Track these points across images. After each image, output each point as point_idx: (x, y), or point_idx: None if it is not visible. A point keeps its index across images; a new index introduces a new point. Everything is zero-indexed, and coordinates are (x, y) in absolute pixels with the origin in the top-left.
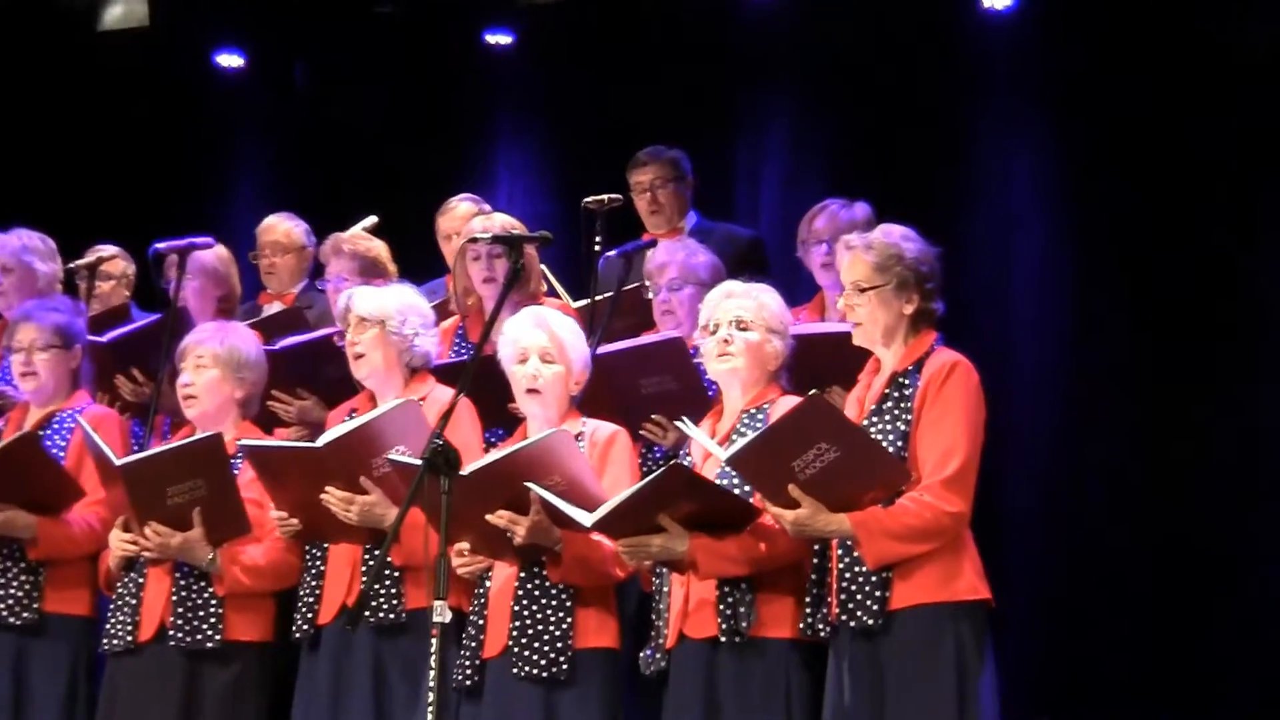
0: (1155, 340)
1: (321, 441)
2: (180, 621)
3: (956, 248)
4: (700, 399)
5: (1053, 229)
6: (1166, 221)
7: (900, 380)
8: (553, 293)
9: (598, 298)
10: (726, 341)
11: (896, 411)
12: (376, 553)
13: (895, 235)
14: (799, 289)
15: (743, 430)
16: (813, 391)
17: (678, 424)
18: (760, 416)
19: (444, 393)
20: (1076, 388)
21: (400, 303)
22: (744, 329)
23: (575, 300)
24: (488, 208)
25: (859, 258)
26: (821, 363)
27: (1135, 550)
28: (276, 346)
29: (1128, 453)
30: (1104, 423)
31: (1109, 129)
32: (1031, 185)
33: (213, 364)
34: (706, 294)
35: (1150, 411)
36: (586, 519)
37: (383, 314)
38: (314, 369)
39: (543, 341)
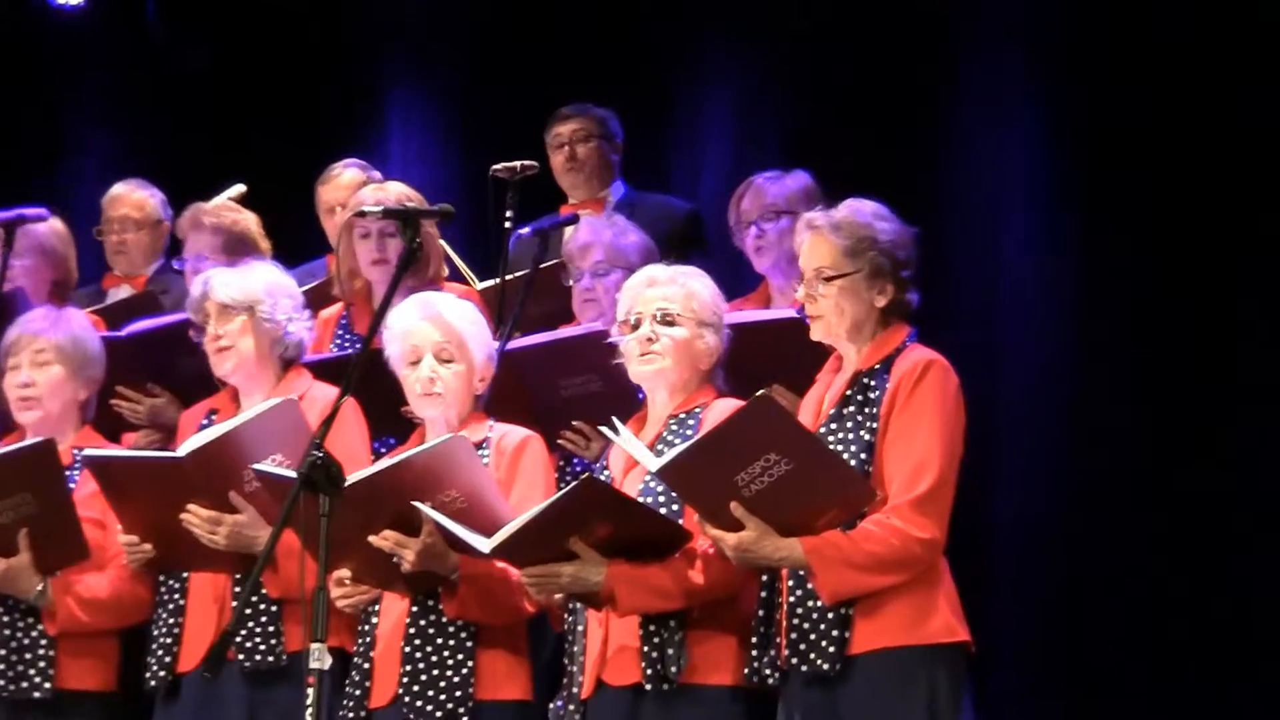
0: (1167, 336)
1: (184, 450)
2: (2, 666)
3: (933, 226)
4: (630, 403)
5: (1049, 202)
6: (1179, 189)
7: (865, 381)
8: (456, 277)
9: (509, 277)
10: (650, 339)
11: (860, 418)
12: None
13: (866, 213)
14: (746, 275)
15: (669, 440)
16: (761, 392)
17: (603, 430)
18: (691, 423)
19: (324, 392)
20: (1074, 390)
21: (267, 282)
22: (670, 323)
23: (481, 281)
24: (378, 175)
25: (823, 239)
26: (763, 357)
27: (1139, 583)
28: (123, 333)
29: (1132, 466)
30: (1105, 431)
31: (1115, 80)
32: (1024, 151)
33: (56, 359)
34: None
35: (1159, 419)
36: (483, 544)
37: (250, 298)
38: (168, 361)
39: (437, 336)
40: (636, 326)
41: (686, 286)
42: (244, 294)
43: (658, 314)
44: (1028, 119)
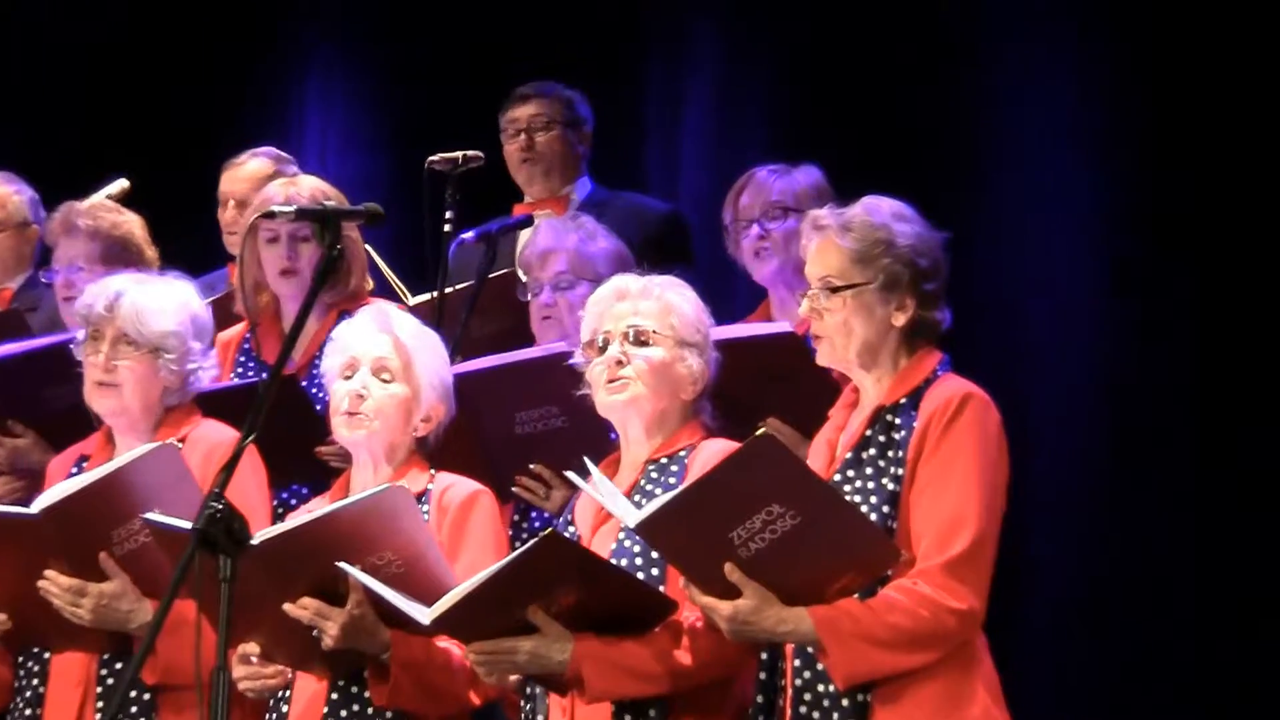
0: (1230, 360)
1: (38, 506)
2: None
3: (961, 235)
4: (599, 442)
5: (1095, 206)
6: (1244, 197)
7: (888, 418)
8: (384, 290)
9: (449, 290)
10: (620, 362)
11: (882, 463)
12: (119, 667)
13: (884, 213)
14: (737, 289)
15: (648, 488)
16: (761, 429)
17: (568, 476)
18: (674, 469)
19: (215, 432)
20: (1124, 431)
21: (183, 320)
22: (644, 343)
23: (413, 296)
24: (292, 168)
25: (831, 243)
26: (757, 384)
27: (1196, 660)
28: None
29: (1181, 523)
30: (1160, 477)
31: (1175, 66)
32: (1067, 144)
33: None
34: None
35: (1223, 457)
36: (424, 614)
37: (158, 338)
38: (34, 392)
39: (381, 350)
40: (604, 348)
41: (664, 300)
42: (155, 332)
43: (629, 333)
44: (1072, 104)
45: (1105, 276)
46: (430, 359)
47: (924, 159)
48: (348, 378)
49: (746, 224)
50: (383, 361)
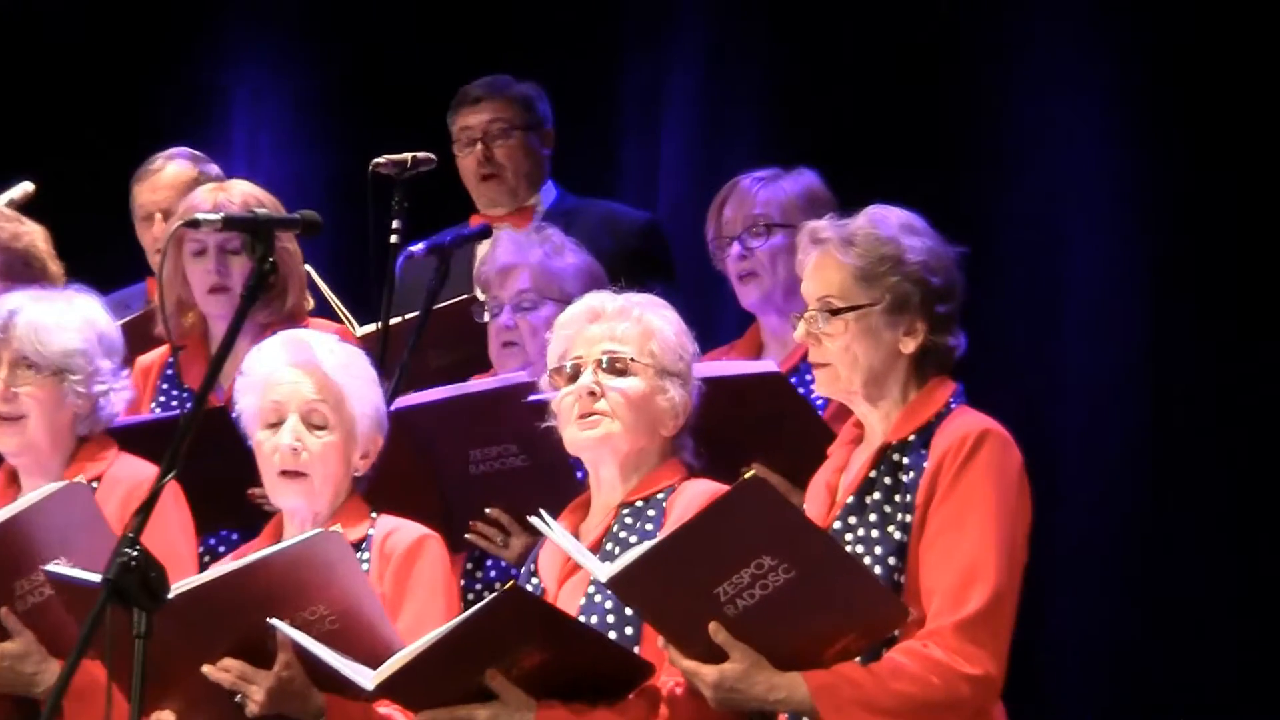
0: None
1: None
2: None
3: (978, 251)
4: (565, 484)
5: (1125, 223)
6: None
7: (894, 457)
8: (324, 310)
9: (396, 320)
10: (593, 393)
11: (888, 509)
12: None
13: (891, 224)
14: (724, 308)
15: (621, 535)
16: (750, 471)
17: (532, 522)
18: (651, 514)
19: (132, 469)
20: (1165, 475)
21: (89, 337)
22: (621, 371)
23: (361, 324)
24: (216, 170)
25: (831, 259)
26: (740, 423)
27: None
28: None
29: (1235, 573)
30: (1203, 528)
31: (1216, 64)
32: (1093, 152)
33: None
34: None
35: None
36: (367, 678)
37: (62, 358)
38: None
39: (308, 391)
40: (575, 377)
41: (644, 322)
42: (57, 351)
43: (604, 359)
44: (1098, 100)
45: (1145, 302)
46: (360, 386)
47: (935, 163)
48: (272, 426)
49: (729, 241)
50: (313, 405)
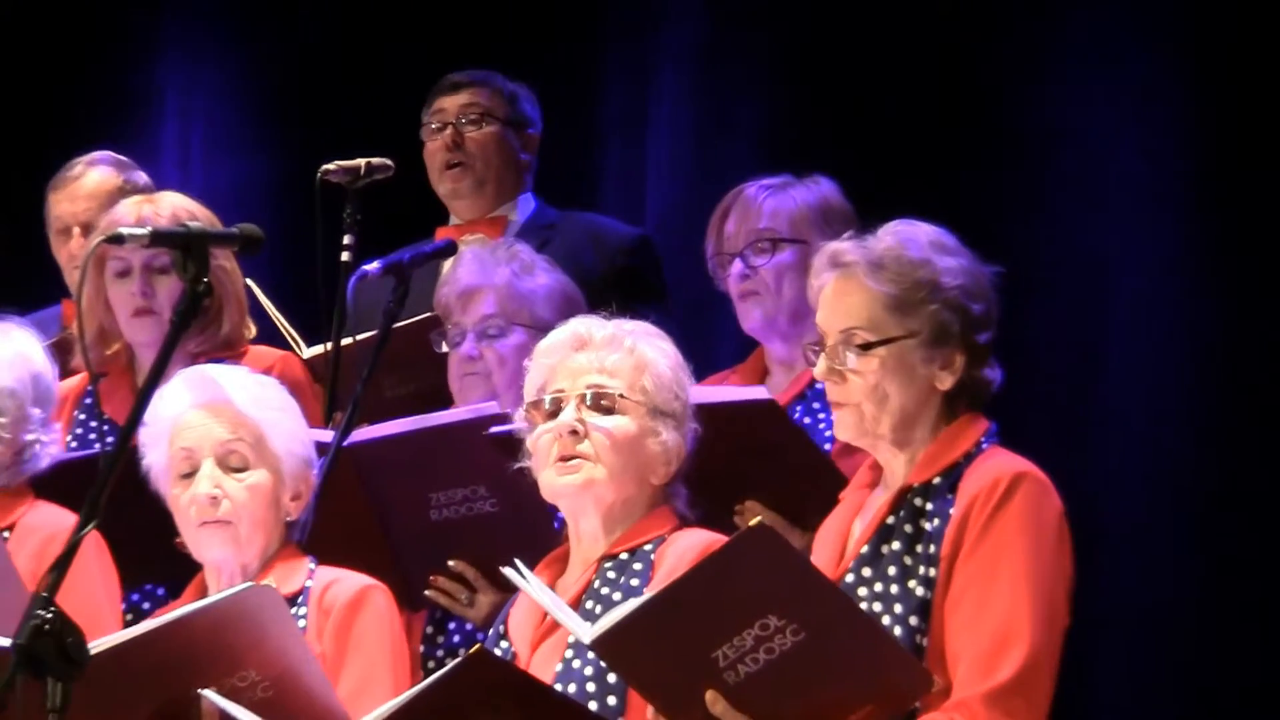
0: None
1: None
2: None
3: (1009, 271)
4: (540, 533)
5: (1176, 237)
6: None
7: (917, 503)
8: (269, 337)
9: (347, 341)
10: (575, 433)
11: (909, 561)
12: None
13: (921, 243)
14: (723, 338)
15: (603, 592)
16: (756, 520)
17: (506, 574)
18: (638, 567)
19: (51, 517)
20: (1224, 527)
21: (20, 375)
22: (608, 409)
23: (308, 346)
24: (143, 178)
25: (859, 285)
26: (737, 457)
27: None
28: None
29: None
30: (1263, 577)
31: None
32: (1136, 157)
33: None
34: None
35: None
36: None
37: None
38: None
39: (222, 432)
40: (555, 413)
41: (637, 354)
42: None
43: (589, 394)
44: (1141, 95)
45: (1202, 328)
46: (281, 419)
47: (959, 170)
48: (186, 476)
49: (730, 258)
50: (229, 446)
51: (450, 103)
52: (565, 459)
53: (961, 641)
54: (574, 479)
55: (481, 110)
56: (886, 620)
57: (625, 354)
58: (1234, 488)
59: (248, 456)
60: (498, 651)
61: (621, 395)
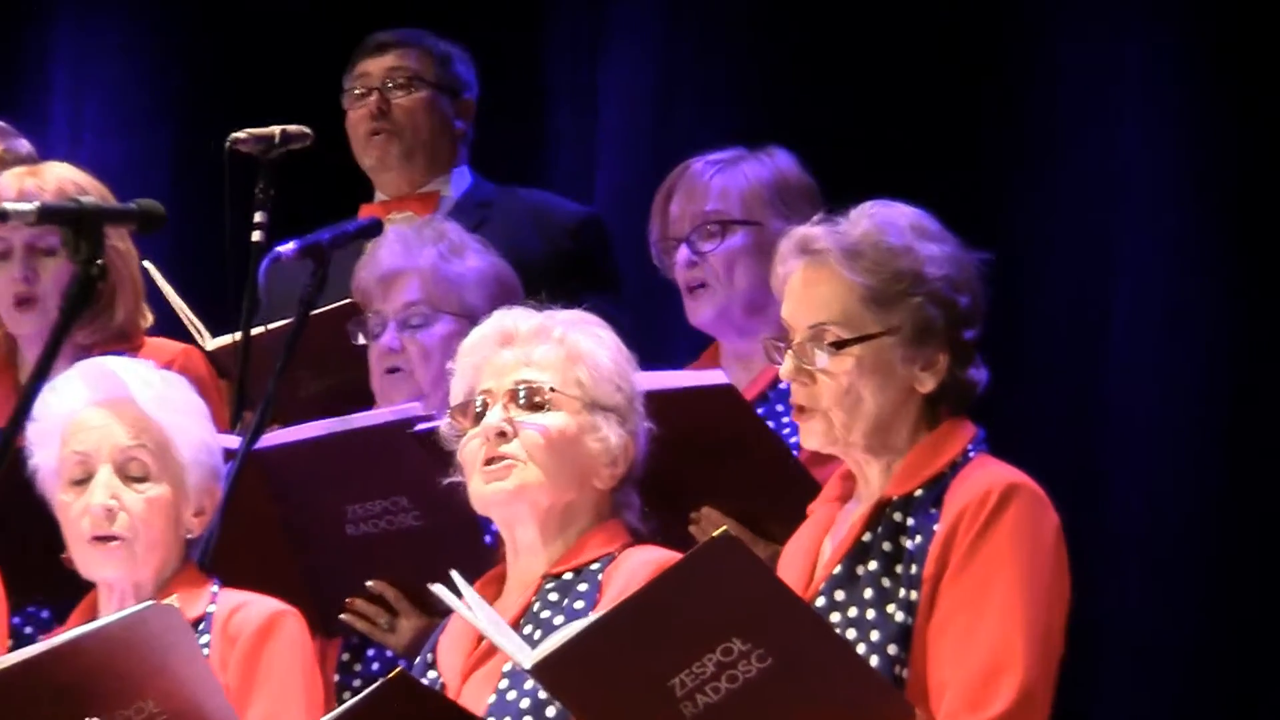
0: None
1: None
2: None
3: (999, 260)
4: (473, 548)
5: (1185, 226)
6: None
7: (896, 518)
8: (168, 328)
9: (257, 331)
10: (503, 434)
11: (888, 582)
12: None
13: (901, 228)
14: (684, 328)
15: (543, 615)
16: (721, 530)
17: (436, 592)
18: (583, 588)
19: None
20: (1234, 538)
21: None
22: (539, 405)
23: (214, 337)
24: (26, 147)
25: (832, 274)
26: (690, 452)
27: None
28: None
29: None
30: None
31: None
32: (1141, 139)
33: None
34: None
35: None
36: None
37: None
38: None
39: (122, 436)
40: (482, 414)
41: (568, 344)
42: None
43: (518, 391)
44: (1146, 74)
45: (1213, 324)
46: (188, 424)
47: (946, 147)
48: (79, 483)
49: (675, 243)
50: (130, 453)
51: (375, 66)
52: (492, 461)
53: (947, 672)
54: (504, 484)
55: (410, 74)
56: (862, 648)
57: (555, 345)
58: (1250, 494)
59: (149, 465)
60: (425, 680)
61: (553, 389)
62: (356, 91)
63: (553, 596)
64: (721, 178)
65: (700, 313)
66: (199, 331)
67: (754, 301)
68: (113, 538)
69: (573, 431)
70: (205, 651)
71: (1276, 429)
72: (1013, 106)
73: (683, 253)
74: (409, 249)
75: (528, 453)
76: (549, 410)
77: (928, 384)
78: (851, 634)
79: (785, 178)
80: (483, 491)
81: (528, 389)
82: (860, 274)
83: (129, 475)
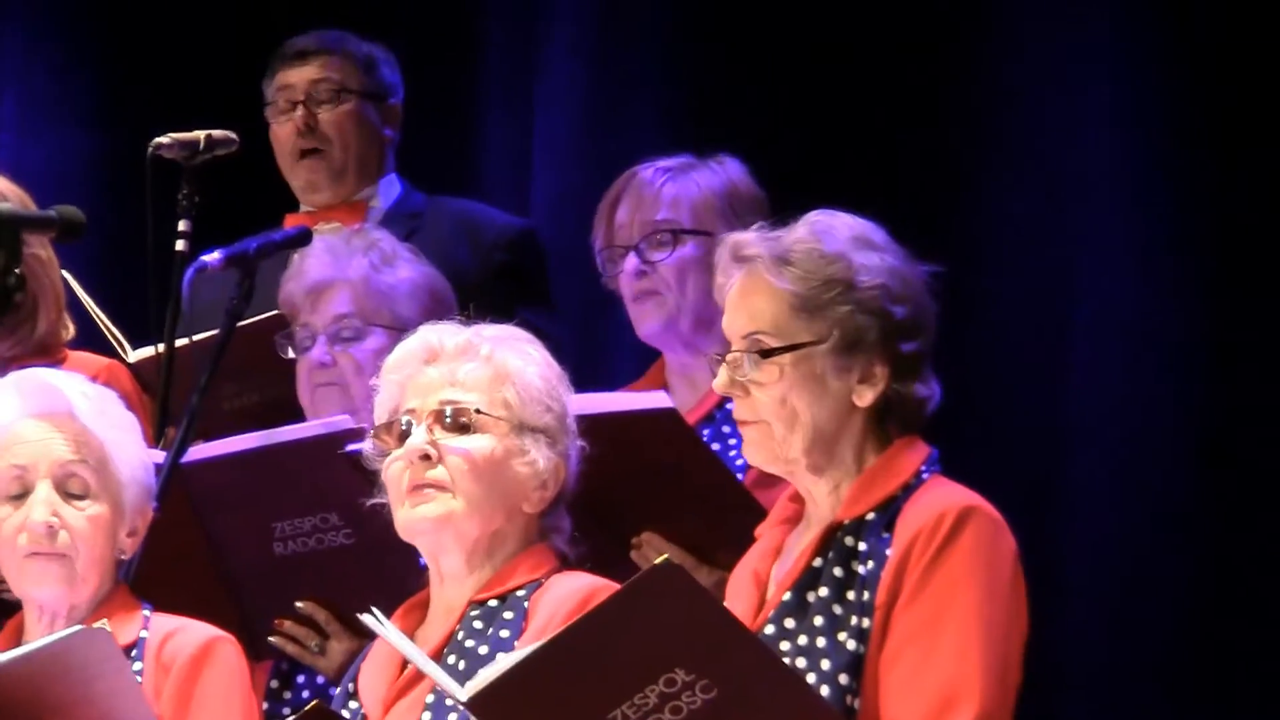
0: None
1: None
2: None
3: (955, 273)
4: (406, 566)
5: (1151, 232)
6: None
7: (847, 542)
8: (90, 340)
9: (181, 343)
10: (427, 457)
11: (839, 610)
12: None
13: (839, 237)
14: (619, 347)
15: (467, 644)
16: (663, 557)
17: (364, 620)
18: (508, 616)
19: None
20: (1206, 564)
21: None
22: (464, 427)
23: (135, 349)
24: None
25: (762, 282)
26: (629, 479)
27: None
28: None
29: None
30: (1250, 624)
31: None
32: (1106, 141)
33: None
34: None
35: None
36: None
37: None
38: None
39: (62, 450)
40: (406, 434)
41: (495, 362)
42: None
43: (443, 412)
44: (1112, 70)
45: (1181, 336)
46: (124, 440)
47: (900, 156)
48: (16, 498)
49: (623, 252)
50: (70, 469)
51: (297, 76)
52: (417, 486)
53: (900, 702)
54: (427, 510)
55: (335, 85)
56: (812, 678)
57: (481, 363)
58: (1222, 517)
59: (89, 482)
60: (346, 714)
61: (479, 411)
62: (280, 105)
63: (478, 624)
64: (673, 186)
65: (647, 323)
66: (120, 344)
67: (703, 315)
68: (53, 555)
69: (500, 455)
70: (138, 678)
71: (1244, 445)
72: (971, 113)
73: (631, 261)
74: (338, 259)
75: (453, 479)
76: (475, 432)
77: (867, 397)
78: (802, 663)
79: (736, 187)
80: (407, 519)
81: (454, 410)
82: (789, 281)
83: (69, 492)
